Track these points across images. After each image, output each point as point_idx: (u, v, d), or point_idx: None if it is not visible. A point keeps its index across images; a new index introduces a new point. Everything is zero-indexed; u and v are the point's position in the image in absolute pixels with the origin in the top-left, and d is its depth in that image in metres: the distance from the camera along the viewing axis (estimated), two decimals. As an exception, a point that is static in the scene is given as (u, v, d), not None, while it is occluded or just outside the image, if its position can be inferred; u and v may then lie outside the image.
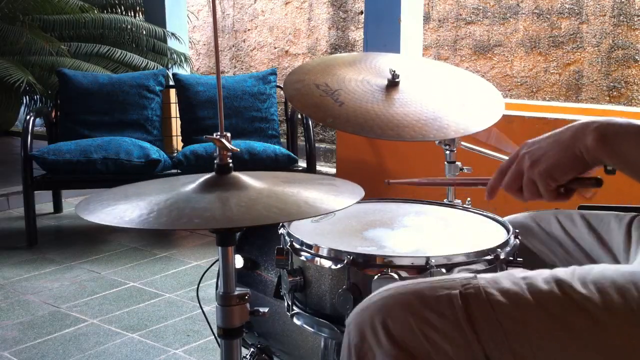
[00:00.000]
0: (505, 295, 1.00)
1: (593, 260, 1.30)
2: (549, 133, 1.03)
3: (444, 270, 1.19)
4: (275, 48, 7.09)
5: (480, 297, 1.00)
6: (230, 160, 1.17)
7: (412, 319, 1.01)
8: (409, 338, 1.01)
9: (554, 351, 0.97)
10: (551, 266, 1.30)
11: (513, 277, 1.03)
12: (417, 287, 1.05)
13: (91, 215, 1.07)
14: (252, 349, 1.76)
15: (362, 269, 1.21)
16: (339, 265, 1.22)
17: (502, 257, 1.23)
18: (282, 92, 1.97)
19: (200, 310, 1.90)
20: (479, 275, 1.04)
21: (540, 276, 1.02)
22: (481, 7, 5.63)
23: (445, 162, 1.82)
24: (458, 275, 1.07)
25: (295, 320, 1.34)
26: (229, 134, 1.18)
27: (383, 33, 3.98)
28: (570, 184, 1.05)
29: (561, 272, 1.03)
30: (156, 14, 5.55)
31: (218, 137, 1.16)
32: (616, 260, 1.27)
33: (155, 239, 3.94)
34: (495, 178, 1.09)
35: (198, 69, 7.70)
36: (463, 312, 0.99)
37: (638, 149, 0.93)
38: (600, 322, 0.95)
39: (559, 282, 1.00)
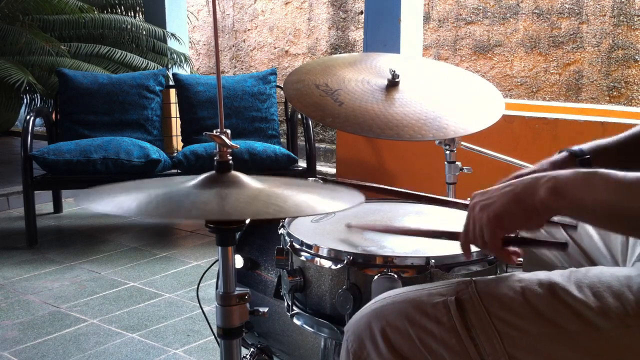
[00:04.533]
0: (501, 300, 1.00)
1: (592, 261, 1.30)
2: (499, 185, 1.05)
3: (443, 270, 1.19)
4: (275, 48, 7.09)
5: (475, 303, 1.00)
6: (230, 157, 1.17)
7: (410, 326, 1.02)
8: (407, 346, 1.02)
9: (551, 355, 0.98)
10: (550, 266, 1.30)
11: (508, 281, 1.03)
12: (414, 295, 1.06)
13: (90, 204, 1.07)
14: (252, 349, 1.76)
15: (362, 269, 1.21)
16: (339, 265, 1.22)
17: (502, 257, 1.23)
18: (282, 92, 1.97)
19: (200, 310, 1.90)
20: (474, 280, 1.04)
21: (536, 280, 1.02)
22: (481, 7, 5.63)
23: (445, 162, 1.82)
24: (454, 280, 1.07)
25: (295, 320, 1.34)
26: (228, 131, 1.18)
27: (383, 33, 3.98)
28: (534, 245, 1.07)
29: (557, 275, 1.03)
30: (156, 14, 5.55)
31: (217, 133, 1.16)
32: (615, 261, 1.27)
33: (155, 239, 3.94)
34: (463, 233, 1.09)
35: (198, 69, 7.70)
36: (459, 317, 1.00)
37: (587, 195, 0.95)
38: (596, 326, 0.96)
39: (555, 287, 1.00)
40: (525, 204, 0.99)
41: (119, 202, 1.08)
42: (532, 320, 0.98)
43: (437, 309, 1.02)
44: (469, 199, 1.12)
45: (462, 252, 1.12)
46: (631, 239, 1.25)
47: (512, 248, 1.08)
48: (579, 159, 1.24)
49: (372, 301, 1.10)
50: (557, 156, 1.28)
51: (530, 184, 1.00)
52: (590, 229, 1.33)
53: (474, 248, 1.23)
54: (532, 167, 1.29)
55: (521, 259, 1.23)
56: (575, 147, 1.27)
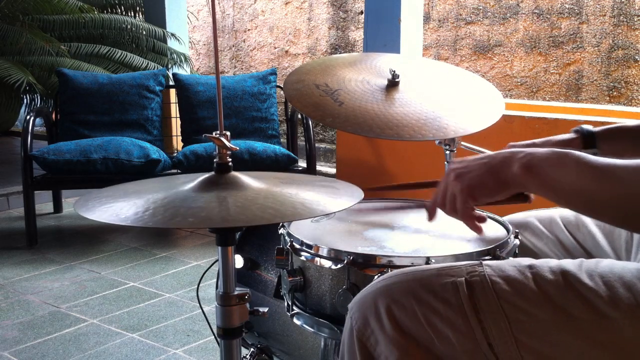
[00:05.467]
0: (511, 284, 1.00)
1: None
2: (476, 156, 1.08)
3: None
4: (275, 48, 7.09)
5: (485, 285, 1.00)
6: (230, 159, 1.17)
7: (417, 305, 1.01)
8: (412, 324, 1.01)
9: (558, 342, 0.97)
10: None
11: (519, 266, 1.03)
12: (423, 274, 1.06)
13: (89, 213, 1.07)
14: (252, 349, 1.76)
15: (362, 269, 1.21)
16: (339, 265, 1.22)
17: (502, 257, 1.23)
18: (282, 92, 1.97)
19: (200, 310, 1.90)
20: (484, 263, 1.04)
21: (547, 266, 1.02)
22: (481, 7, 5.63)
23: (445, 162, 1.82)
24: (464, 262, 1.07)
25: (295, 320, 1.34)
26: (228, 133, 1.18)
27: (383, 33, 3.97)
28: (497, 202, 1.10)
29: (568, 263, 1.03)
30: (156, 14, 5.56)
31: (217, 135, 1.16)
32: (619, 258, 1.27)
33: (155, 239, 3.94)
34: (433, 197, 1.13)
35: (198, 69, 7.70)
36: (468, 299, 0.99)
37: (558, 175, 0.98)
38: (606, 315, 0.96)
39: (565, 273, 1.00)
40: (498, 176, 1.02)
41: (116, 209, 1.08)
42: (541, 306, 0.98)
43: (445, 289, 1.01)
44: None
45: (429, 219, 1.14)
46: (635, 237, 1.25)
47: (477, 215, 1.10)
48: (586, 140, 1.27)
49: (378, 279, 1.09)
50: (567, 135, 1.31)
51: (506, 158, 1.02)
52: (593, 229, 1.33)
53: (463, 244, 1.23)
54: (537, 141, 1.31)
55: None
56: (586, 128, 1.30)
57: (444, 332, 1.00)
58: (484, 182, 1.03)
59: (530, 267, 1.02)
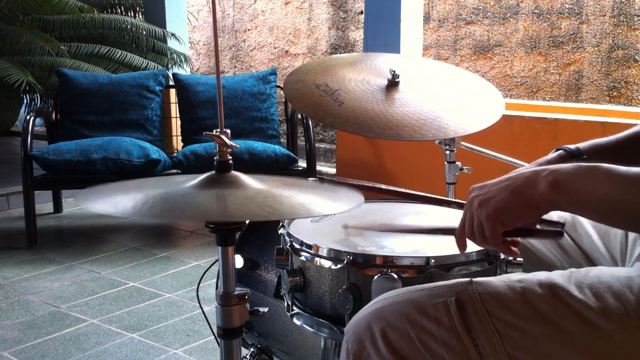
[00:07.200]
0: (501, 301, 1.00)
1: (591, 261, 1.30)
2: (497, 179, 1.03)
3: (443, 270, 1.19)
4: (275, 48, 7.09)
5: (476, 303, 1.00)
6: (230, 157, 1.17)
7: (410, 327, 1.02)
8: (407, 346, 1.02)
9: (551, 355, 0.98)
10: (550, 266, 1.30)
11: (509, 282, 1.03)
12: (414, 295, 1.06)
13: (88, 203, 1.08)
14: (252, 349, 1.76)
15: (362, 269, 1.21)
16: (338, 265, 1.22)
17: (501, 256, 1.23)
18: (282, 92, 1.97)
19: (200, 310, 1.90)
20: (474, 280, 1.04)
21: (536, 280, 1.02)
22: (481, 7, 5.63)
23: (445, 162, 1.82)
24: (454, 281, 1.07)
25: (295, 320, 1.34)
26: (228, 130, 1.18)
27: (383, 33, 3.98)
28: (529, 235, 1.07)
29: (558, 276, 1.03)
30: (156, 14, 5.56)
31: (217, 133, 1.16)
32: (614, 260, 1.27)
33: (155, 239, 3.94)
34: (459, 228, 1.08)
35: (198, 69, 7.70)
36: (459, 318, 1.00)
37: (589, 189, 0.94)
38: (597, 326, 0.96)
39: (555, 287, 1.00)
40: (524, 197, 0.98)
41: (115, 201, 1.08)
42: (532, 321, 0.98)
43: (437, 309, 1.02)
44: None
45: (460, 250, 1.11)
46: (630, 239, 1.25)
47: (510, 239, 1.06)
48: (575, 158, 1.23)
49: (373, 302, 1.10)
50: (553, 154, 1.28)
51: (530, 178, 0.98)
52: (589, 229, 1.33)
53: (470, 244, 1.23)
54: (528, 165, 1.28)
55: (520, 259, 1.23)
56: (572, 146, 1.26)
57: (438, 352, 1.00)
58: (509, 206, 0.99)
59: (520, 281, 1.02)
